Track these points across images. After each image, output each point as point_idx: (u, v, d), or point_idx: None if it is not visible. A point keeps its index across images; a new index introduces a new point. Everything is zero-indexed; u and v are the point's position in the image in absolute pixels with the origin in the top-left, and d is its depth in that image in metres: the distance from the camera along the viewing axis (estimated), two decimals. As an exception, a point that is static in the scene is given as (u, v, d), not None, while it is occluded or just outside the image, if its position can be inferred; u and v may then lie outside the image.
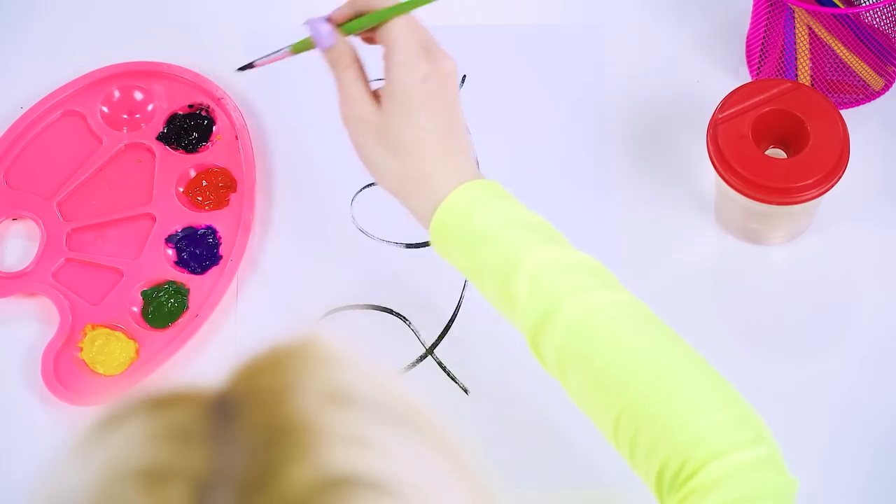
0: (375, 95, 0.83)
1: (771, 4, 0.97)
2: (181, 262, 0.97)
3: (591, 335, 0.76)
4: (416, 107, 0.81)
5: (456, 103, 0.83)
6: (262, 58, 0.89)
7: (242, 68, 0.90)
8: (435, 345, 0.95)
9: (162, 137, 1.01)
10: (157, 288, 0.96)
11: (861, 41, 0.98)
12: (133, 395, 0.51)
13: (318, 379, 0.51)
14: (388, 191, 0.84)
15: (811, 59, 0.99)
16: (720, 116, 0.92)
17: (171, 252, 0.98)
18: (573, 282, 0.77)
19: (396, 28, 0.81)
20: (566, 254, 0.79)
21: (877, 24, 0.98)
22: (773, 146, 0.94)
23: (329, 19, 0.83)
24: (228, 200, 0.99)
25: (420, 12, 1.07)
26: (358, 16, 0.83)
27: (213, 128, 1.02)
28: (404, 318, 0.96)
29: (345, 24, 0.83)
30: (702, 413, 0.73)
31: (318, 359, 0.52)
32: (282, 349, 0.53)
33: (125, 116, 1.03)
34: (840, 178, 0.90)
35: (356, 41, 0.84)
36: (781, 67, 1.00)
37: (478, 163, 0.98)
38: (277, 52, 0.88)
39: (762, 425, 0.75)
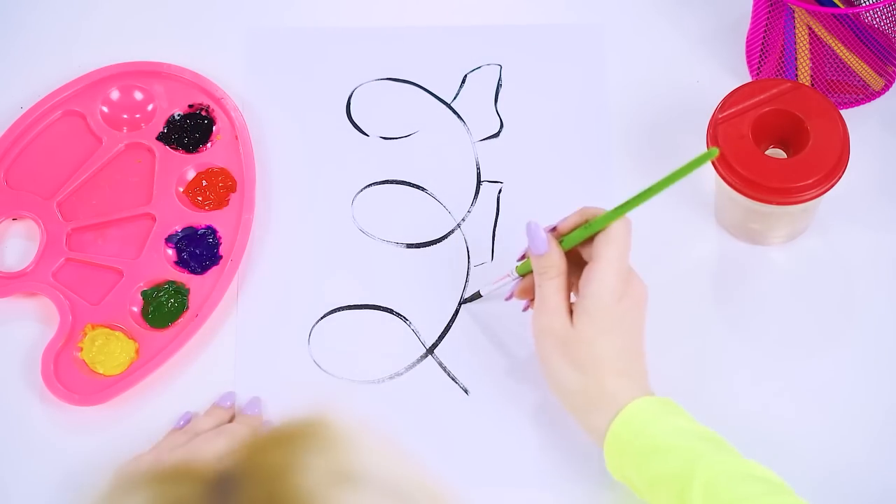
0: (570, 310, 0.84)
1: (771, 4, 0.97)
2: (181, 262, 0.97)
3: None
4: (608, 327, 0.83)
5: (642, 326, 0.85)
6: (489, 287, 0.93)
7: (469, 300, 0.95)
8: (435, 345, 0.95)
9: (162, 137, 1.01)
10: (157, 288, 0.96)
11: (861, 41, 0.98)
12: (136, 471, 0.51)
13: (325, 458, 0.51)
14: (565, 404, 0.86)
15: (811, 59, 0.99)
16: (720, 116, 0.92)
17: (171, 252, 0.98)
18: (747, 490, 0.78)
19: (613, 241, 0.83)
20: (740, 464, 0.80)
21: (877, 24, 0.98)
22: (773, 146, 0.94)
23: (554, 228, 0.85)
24: (228, 200, 0.99)
25: (420, 13, 1.08)
26: (582, 224, 0.84)
27: (213, 128, 1.02)
28: (404, 318, 0.96)
29: (567, 234, 0.85)
30: None
31: (325, 437, 0.53)
32: (289, 427, 0.53)
33: (125, 116, 1.03)
34: (840, 178, 0.90)
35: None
36: (781, 67, 1.00)
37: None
38: (503, 281, 0.91)
39: None
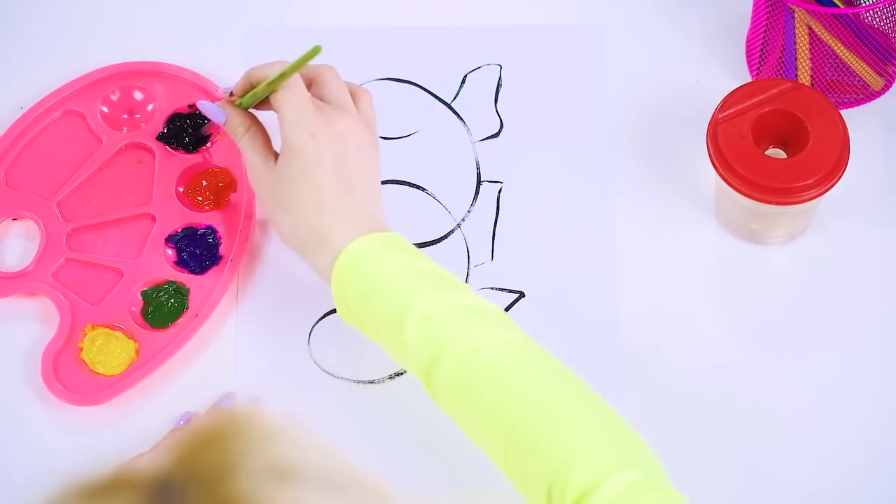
0: (277, 155, 0.88)
1: (771, 4, 0.97)
2: (181, 262, 0.97)
3: (476, 371, 0.78)
4: (307, 164, 0.85)
5: (353, 159, 0.86)
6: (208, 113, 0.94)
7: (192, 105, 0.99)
8: (435, 345, 0.95)
9: (162, 137, 1.01)
10: (157, 288, 0.96)
11: (861, 41, 0.98)
12: (69, 482, 0.50)
13: (260, 455, 0.51)
14: (290, 248, 0.87)
15: (811, 59, 0.99)
16: (720, 116, 0.92)
17: (171, 252, 0.98)
18: (461, 323, 0.80)
19: (282, 93, 0.85)
20: (457, 297, 0.81)
21: (877, 24, 0.98)
22: (773, 146, 0.94)
23: (231, 93, 0.90)
24: (228, 200, 0.99)
25: (420, 13, 1.08)
26: (253, 87, 0.88)
27: (213, 128, 1.02)
28: (404, 318, 0.96)
29: (243, 96, 0.89)
30: (576, 438, 0.75)
31: (258, 435, 0.52)
32: (220, 427, 0.53)
33: (125, 116, 1.03)
34: (840, 178, 0.90)
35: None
36: (781, 67, 1.00)
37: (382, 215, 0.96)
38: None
39: (639, 448, 0.76)
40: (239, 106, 0.90)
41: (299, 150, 0.85)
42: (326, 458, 0.53)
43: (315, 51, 0.82)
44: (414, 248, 0.85)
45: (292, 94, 0.85)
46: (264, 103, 0.89)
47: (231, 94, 0.90)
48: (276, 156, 0.88)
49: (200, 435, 0.52)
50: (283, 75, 0.85)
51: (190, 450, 0.52)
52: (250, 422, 0.52)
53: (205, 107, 0.91)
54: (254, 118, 0.90)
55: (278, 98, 0.86)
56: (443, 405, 0.81)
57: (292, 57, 0.85)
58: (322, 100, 0.88)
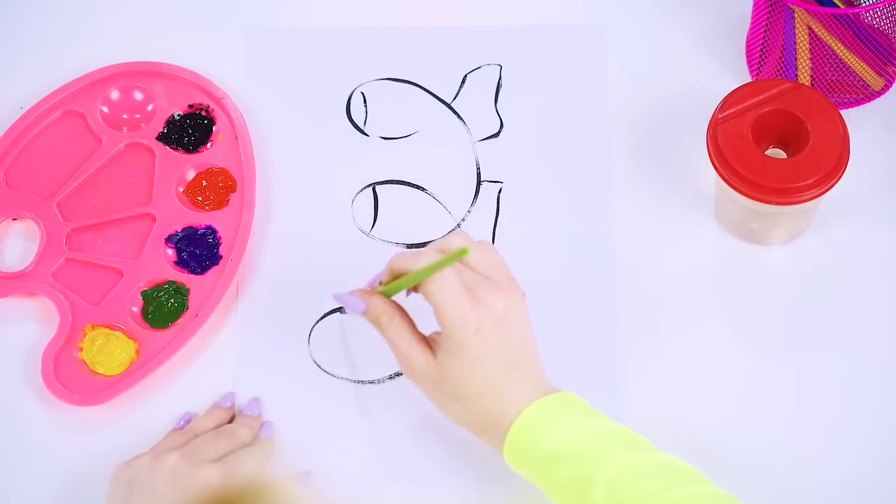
0: (427, 341, 0.84)
1: (771, 4, 0.97)
2: (181, 262, 0.97)
3: None
4: (473, 360, 0.82)
5: (516, 338, 0.83)
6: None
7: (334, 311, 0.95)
8: (435, 345, 0.95)
9: (162, 137, 1.01)
10: (157, 288, 0.96)
11: (861, 41, 0.98)
12: None
13: None
14: (462, 427, 0.85)
15: (811, 59, 0.99)
16: (720, 116, 0.92)
17: (171, 252, 0.98)
18: (651, 484, 0.77)
19: (435, 289, 0.81)
20: (646, 457, 0.79)
21: (877, 24, 0.98)
22: (773, 146, 0.94)
23: (381, 283, 0.86)
24: (228, 200, 0.99)
25: (420, 13, 1.08)
26: (397, 278, 0.84)
27: (213, 128, 1.02)
28: (404, 318, 0.96)
29: (387, 286, 0.85)
30: None
31: (268, 499, 0.52)
32: (233, 492, 0.52)
33: (125, 116, 1.03)
34: (840, 178, 0.90)
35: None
36: (781, 67, 1.00)
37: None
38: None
39: None
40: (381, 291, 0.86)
41: (465, 348, 0.81)
42: None
43: (463, 252, 0.79)
44: (587, 404, 0.82)
45: (446, 290, 0.81)
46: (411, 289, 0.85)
47: (380, 284, 0.86)
48: (426, 340, 0.84)
49: (213, 498, 0.53)
50: (430, 269, 0.81)
51: None
52: (262, 491, 0.52)
53: (340, 298, 0.86)
54: (397, 305, 0.85)
55: (431, 293, 0.81)
56: None
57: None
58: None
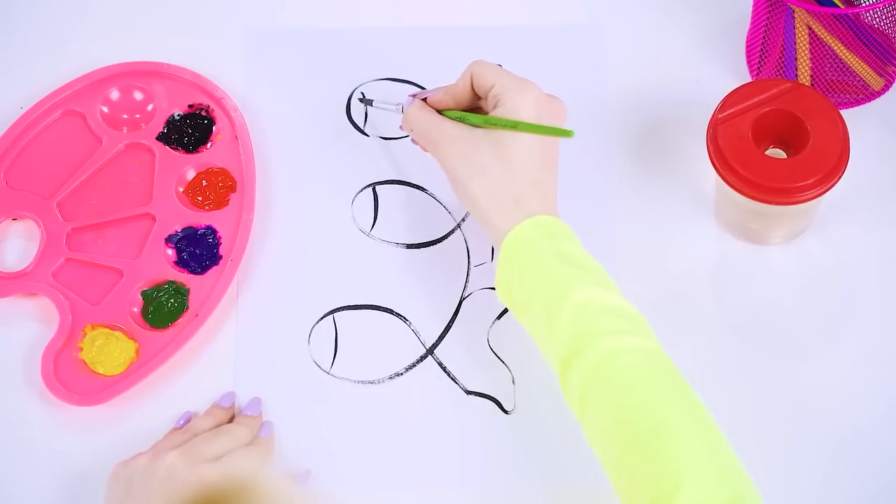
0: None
1: (771, 4, 0.97)
2: (181, 262, 0.97)
3: (611, 375, 0.79)
4: (521, 135, 0.86)
5: (557, 150, 0.88)
6: (381, 102, 0.96)
7: (361, 100, 0.99)
8: (435, 345, 0.95)
9: (162, 137, 1.01)
10: (157, 288, 0.96)
11: (861, 41, 0.98)
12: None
13: None
14: (470, 207, 0.88)
15: (811, 59, 0.99)
16: (720, 116, 0.92)
17: (171, 252, 0.98)
18: (609, 324, 0.81)
19: (494, 70, 0.88)
20: (610, 297, 0.83)
21: (877, 24, 0.98)
22: (773, 146, 0.94)
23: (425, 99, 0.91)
24: (228, 200, 0.99)
25: (420, 13, 1.08)
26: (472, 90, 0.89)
27: (213, 128, 1.02)
28: (404, 318, 0.96)
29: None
30: (688, 466, 0.76)
31: (258, 502, 0.52)
32: (222, 490, 0.52)
33: (125, 116, 1.03)
34: (840, 178, 0.90)
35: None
36: (781, 67, 1.00)
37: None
38: (395, 106, 0.95)
39: (746, 485, 0.76)
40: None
41: (519, 110, 0.86)
42: None
43: (568, 133, 0.86)
44: (579, 241, 0.86)
45: (527, 101, 0.88)
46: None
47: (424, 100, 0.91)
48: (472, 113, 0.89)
49: (201, 497, 0.53)
50: (513, 123, 0.86)
51: None
52: (251, 489, 0.52)
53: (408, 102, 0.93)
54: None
55: (491, 71, 0.89)
56: (570, 399, 0.82)
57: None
58: None
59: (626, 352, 0.80)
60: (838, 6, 0.97)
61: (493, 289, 0.96)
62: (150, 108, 1.03)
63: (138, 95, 1.03)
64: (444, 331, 0.96)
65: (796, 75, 1.00)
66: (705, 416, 0.79)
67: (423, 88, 1.04)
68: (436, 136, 0.89)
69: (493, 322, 0.95)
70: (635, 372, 0.79)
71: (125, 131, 1.02)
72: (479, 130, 0.87)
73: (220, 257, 0.97)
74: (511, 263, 0.85)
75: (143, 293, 0.96)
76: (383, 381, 0.95)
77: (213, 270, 0.97)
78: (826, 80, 1.00)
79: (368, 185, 1.01)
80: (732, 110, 0.92)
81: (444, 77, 1.04)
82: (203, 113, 1.02)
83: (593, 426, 0.80)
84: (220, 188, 1.00)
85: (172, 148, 1.01)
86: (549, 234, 0.84)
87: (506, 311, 0.96)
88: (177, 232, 0.98)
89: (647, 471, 0.76)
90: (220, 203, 0.99)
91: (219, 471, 0.85)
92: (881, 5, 0.96)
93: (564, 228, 0.86)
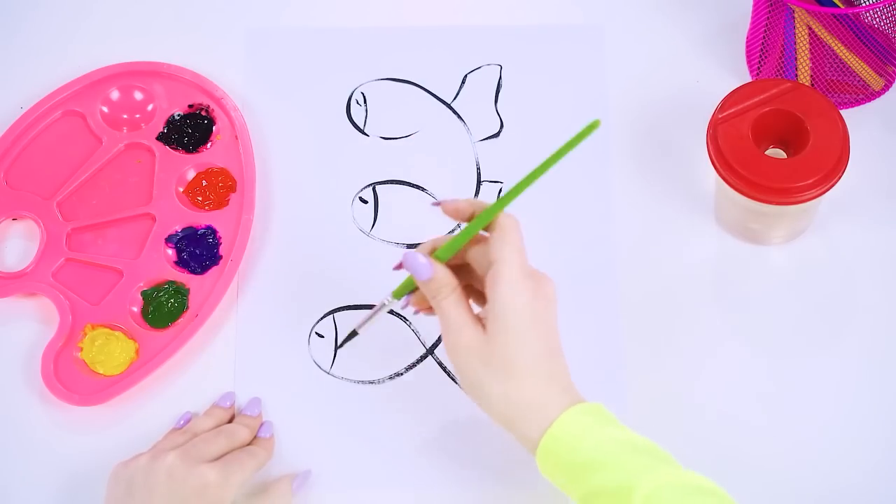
0: (478, 319, 0.81)
1: (771, 4, 0.97)
2: (181, 262, 0.97)
3: None
4: (524, 327, 0.79)
5: (556, 326, 0.81)
6: (364, 323, 0.86)
7: (346, 341, 0.87)
8: (435, 345, 0.95)
9: (162, 137, 1.01)
10: (157, 288, 0.96)
11: (861, 41, 0.98)
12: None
13: None
14: (494, 417, 0.81)
15: (811, 59, 0.99)
16: (720, 116, 0.92)
17: (171, 252, 0.98)
18: (691, 502, 0.76)
19: (506, 241, 0.80)
20: (680, 475, 0.78)
21: (877, 24, 0.98)
22: (773, 146, 0.94)
23: (432, 251, 0.82)
24: (228, 200, 0.99)
25: (420, 13, 1.08)
26: (469, 219, 0.82)
27: (213, 128, 1.02)
28: (404, 318, 0.96)
29: (447, 244, 0.82)
30: None
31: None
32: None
33: (125, 116, 1.03)
34: (840, 178, 0.90)
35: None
36: (781, 67, 1.00)
37: None
38: (377, 308, 0.85)
39: None
40: (443, 255, 0.82)
41: (518, 314, 0.79)
42: None
43: (594, 125, 0.78)
44: (617, 420, 0.80)
45: (515, 247, 0.80)
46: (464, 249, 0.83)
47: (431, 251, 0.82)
48: (479, 320, 0.81)
49: None
50: (500, 203, 0.80)
51: None
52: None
53: (410, 259, 0.81)
54: (455, 276, 0.82)
55: (502, 247, 0.79)
56: None
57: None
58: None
59: None
60: (838, 6, 0.97)
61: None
62: (150, 108, 1.03)
63: (138, 95, 1.03)
64: (444, 331, 0.96)
65: (796, 75, 1.00)
66: None
67: (424, 88, 1.04)
68: (448, 337, 0.81)
69: None
70: None
71: (125, 131, 1.02)
72: (492, 333, 0.79)
73: (220, 257, 0.97)
74: (553, 470, 0.80)
75: (143, 293, 0.96)
76: (383, 381, 0.95)
77: (213, 270, 0.97)
78: (826, 80, 1.00)
79: (368, 185, 1.01)
80: (732, 110, 0.92)
81: (444, 77, 1.05)
82: (203, 113, 1.02)
83: None
84: (220, 188, 1.00)
85: (172, 148, 1.01)
86: (576, 435, 0.79)
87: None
88: (177, 232, 0.98)
89: None
90: (220, 203, 0.99)
91: (219, 471, 0.85)
92: (881, 5, 0.96)
93: (598, 411, 0.80)
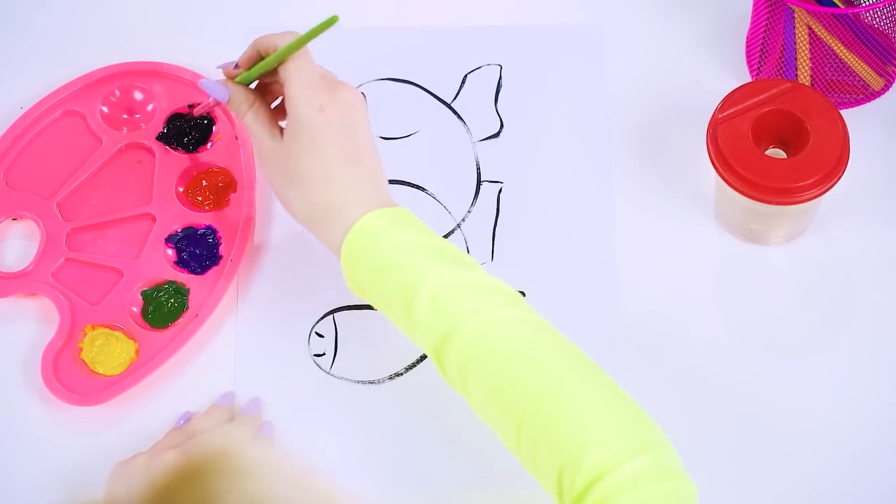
0: (282, 129, 0.86)
1: (771, 4, 0.97)
2: (181, 262, 0.97)
3: (489, 350, 0.77)
4: (315, 137, 0.84)
5: (361, 132, 0.85)
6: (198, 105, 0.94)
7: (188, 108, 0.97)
8: (435, 345, 0.95)
9: (162, 137, 1.01)
10: (157, 288, 0.96)
11: (861, 41, 0.98)
12: None
13: (238, 492, 0.51)
14: (300, 223, 0.86)
15: (811, 59, 0.99)
16: (720, 116, 0.92)
17: (171, 252, 0.98)
18: (473, 302, 0.79)
19: (291, 65, 0.84)
20: (469, 276, 0.81)
21: (877, 24, 0.98)
22: (773, 146, 0.94)
23: (236, 65, 0.88)
24: (228, 200, 0.99)
25: (420, 13, 1.08)
26: (261, 58, 0.86)
27: (213, 128, 1.02)
28: (404, 318, 0.96)
29: (248, 69, 0.87)
30: (591, 422, 0.74)
31: (236, 469, 0.52)
32: (198, 463, 0.52)
33: (125, 116, 1.03)
34: (840, 178, 0.90)
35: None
36: (781, 67, 1.00)
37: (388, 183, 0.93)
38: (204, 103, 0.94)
39: (653, 432, 0.75)
40: (241, 82, 0.88)
41: (307, 124, 0.83)
42: (305, 491, 0.53)
43: (332, 20, 0.81)
44: (424, 224, 0.84)
45: (301, 66, 0.84)
46: (269, 75, 0.88)
47: (236, 66, 0.88)
48: (282, 131, 0.86)
49: (178, 471, 0.52)
50: (294, 46, 0.84)
51: (167, 486, 0.52)
52: (226, 456, 0.52)
53: (207, 85, 0.88)
54: (257, 94, 0.88)
55: (287, 69, 0.84)
56: (454, 383, 0.80)
57: (302, 27, 0.84)
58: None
59: (497, 325, 0.78)
60: (838, 6, 0.97)
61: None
62: (150, 108, 1.03)
63: (138, 95, 1.03)
64: (444, 331, 0.95)
65: (796, 75, 1.00)
66: (599, 373, 0.77)
67: (424, 88, 1.04)
68: (254, 149, 0.88)
69: None
70: (513, 342, 0.77)
71: (125, 131, 1.02)
72: (286, 145, 0.85)
73: (220, 257, 0.97)
74: (355, 273, 0.83)
75: (143, 293, 0.96)
76: (383, 381, 0.95)
77: (213, 270, 0.97)
78: (826, 80, 1.00)
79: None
80: (732, 110, 0.92)
81: (444, 77, 1.05)
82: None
83: (482, 407, 0.79)
84: (220, 188, 1.00)
85: (172, 148, 1.01)
86: (373, 235, 0.83)
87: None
88: (177, 232, 0.98)
89: (547, 439, 0.74)
90: (220, 203, 0.99)
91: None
92: (881, 5, 0.96)
93: (399, 214, 0.84)
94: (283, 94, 0.86)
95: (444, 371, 0.80)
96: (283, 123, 0.87)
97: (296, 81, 0.84)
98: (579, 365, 0.78)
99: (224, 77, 0.88)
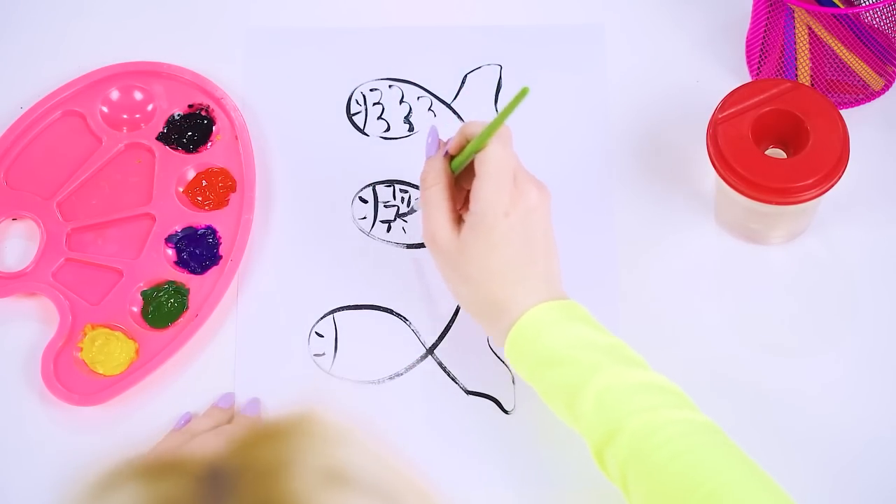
0: (459, 220, 0.85)
1: (771, 4, 0.97)
2: (181, 262, 0.97)
3: (653, 450, 0.77)
4: (494, 243, 0.83)
5: (540, 232, 0.84)
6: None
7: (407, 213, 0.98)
8: (435, 345, 0.95)
9: (162, 137, 1.01)
10: (157, 288, 0.96)
11: (861, 41, 0.98)
12: (126, 463, 0.50)
13: (317, 456, 0.51)
14: (467, 311, 0.87)
15: (811, 59, 0.99)
16: (720, 116, 0.92)
17: (171, 252, 0.98)
18: (638, 401, 0.79)
19: (487, 156, 0.82)
20: (636, 374, 0.80)
21: (877, 24, 0.98)
22: (773, 146, 0.94)
23: (446, 153, 0.86)
24: (228, 200, 0.99)
25: (420, 13, 1.08)
26: (467, 142, 0.84)
27: (213, 128, 1.02)
28: (404, 318, 0.96)
29: (455, 157, 0.85)
30: None
31: (317, 434, 0.52)
32: (281, 422, 0.52)
33: (125, 116, 1.03)
34: (840, 178, 0.90)
35: None
36: (781, 67, 1.00)
37: None
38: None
39: None
40: (450, 162, 0.86)
41: (489, 227, 0.82)
42: (381, 466, 0.53)
43: (524, 92, 0.78)
44: (591, 317, 0.84)
45: (497, 160, 0.82)
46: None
47: (446, 154, 0.86)
48: (459, 219, 0.85)
49: (261, 427, 0.52)
50: (493, 127, 0.82)
51: (249, 440, 0.51)
52: (308, 420, 0.52)
53: (433, 134, 0.87)
54: (450, 178, 0.85)
55: (482, 162, 0.82)
56: (612, 477, 0.80)
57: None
58: None
59: (664, 425, 0.78)
60: (838, 6, 0.97)
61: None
62: (150, 108, 1.03)
63: (138, 95, 1.03)
64: (444, 331, 0.96)
65: (796, 75, 1.00)
66: (764, 481, 0.77)
67: (424, 88, 1.04)
68: (424, 227, 0.86)
69: None
70: (676, 444, 0.77)
71: (125, 131, 1.02)
72: (464, 241, 0.84)
73: (220, 257, 0.97)
74: (518, 364, 0.83)
75: (143, 293, 0.96)
76: (383, 381, 0.95)
77: (213, 270, 0.97)
78: (826, 80, 1.00)
79: (368, 185, 1.01)
80: (732, 110, 0.92)
81: (444, 77, 1.05)
82: (203, 113, 1.02)
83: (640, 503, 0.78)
84: (220, 188, 1.00)
85: (172, 148, 1.01)
86: (540, 329, 0.82)
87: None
88: (177, 232, 0.98)
89: None
90: (220, 203, 0.99)
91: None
92: (881, 5, 0.96)
93: (567, 308, 0.83)
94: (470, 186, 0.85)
95: (605, 467, 0.80)
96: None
97: (486, 179, 0.82)
98: (747, 471, 0.77)
99: (441, 152, 0.86)
